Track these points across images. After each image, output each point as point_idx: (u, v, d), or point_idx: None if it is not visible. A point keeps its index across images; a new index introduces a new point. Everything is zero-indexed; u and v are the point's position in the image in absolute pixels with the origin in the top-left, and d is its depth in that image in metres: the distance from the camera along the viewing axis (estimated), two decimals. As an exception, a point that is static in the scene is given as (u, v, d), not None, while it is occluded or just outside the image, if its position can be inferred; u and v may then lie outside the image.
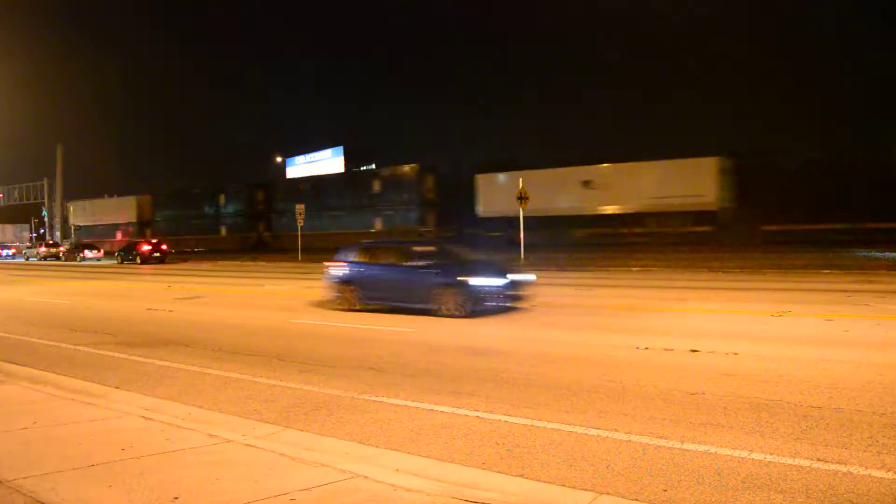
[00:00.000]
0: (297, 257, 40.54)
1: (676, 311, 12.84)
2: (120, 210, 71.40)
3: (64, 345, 10.65)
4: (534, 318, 12.28)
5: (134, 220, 69.07)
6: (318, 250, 47.39)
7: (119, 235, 70.64)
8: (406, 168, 50.26)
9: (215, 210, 63.31)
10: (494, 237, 42.31)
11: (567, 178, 41.62)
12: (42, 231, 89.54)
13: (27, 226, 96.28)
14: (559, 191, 40.95)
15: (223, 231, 61.91)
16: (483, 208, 44.53)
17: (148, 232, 68.25)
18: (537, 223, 39.03)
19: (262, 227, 59.66)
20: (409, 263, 13.54)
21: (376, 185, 51.01)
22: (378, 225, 50.29)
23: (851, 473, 4.37)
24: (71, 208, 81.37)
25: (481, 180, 45.06)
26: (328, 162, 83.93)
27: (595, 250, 34.74)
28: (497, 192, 42.92)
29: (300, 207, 42.99)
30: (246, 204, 61.29)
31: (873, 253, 27.63)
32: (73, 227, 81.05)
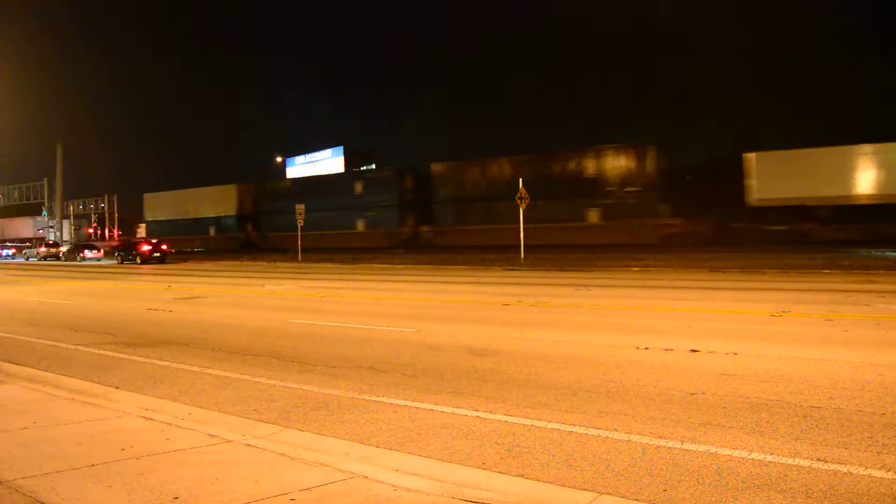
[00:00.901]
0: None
1: (676, 310, 12.84)
2: (214, 202, 60.99)
3: (64, 345, 10.65)
4: None
5: (233, 212, 59.10)
6: (492, 248, 38.75)
7: (212, 232, 60.77)
8: (624, 146, 40.70)
9: (349, 201, 52.52)
10: (776, 231, 34.21)
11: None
12: (99, 229, 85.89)
13: (85, 221, 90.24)
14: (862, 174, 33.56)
15: (360, 225, 51.92)
16: (759, 195, 35.47)
17: (249, 227, 59.32)
18: (825, 214, 32.63)
19: (412, 220, 50.02)
20: None
21: (589, 167, 41.20)
22: (593, 217, 40.65)
23: (851, 473, 4.37)
24: (145, 201, 70.76)
25: (759, 160, 35.94)
26: (328, 162, 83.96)
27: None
28: (782, 175, 34.88)
29: (300, 207, 42.77)
30: (393, 193, 50.45)
31: (873, 252, 27.62)
32: (146, 223, 71.15)
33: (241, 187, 60.50)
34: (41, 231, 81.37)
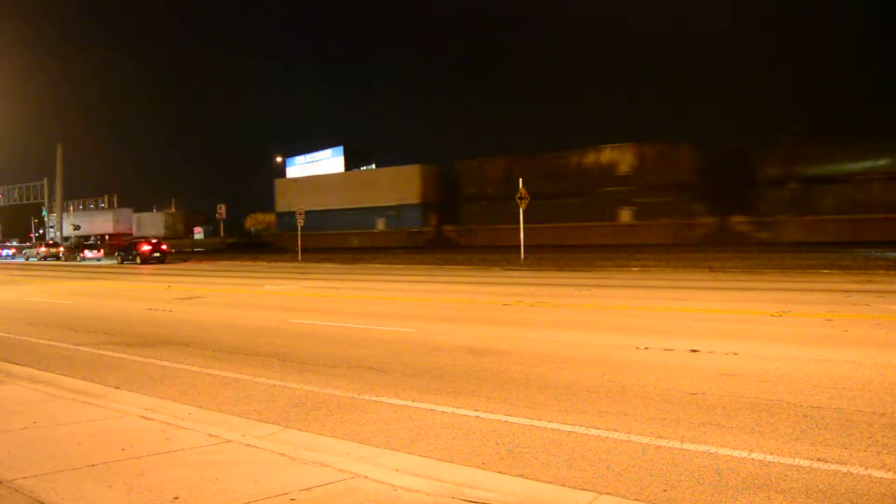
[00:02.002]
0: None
1: (676, 310, 12.84)
2: (385, 187, 48.19)
3: (64, 345, 10.65)
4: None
5: (415, 200, 46.52)
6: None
7: (381, 225, 48.38)
8: None
9: (605, 182, 39.75)
10: None
11: None
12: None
13: (169, 212, 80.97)
14: None
15: (625, 215, 39.29)
16: None
17: (433, 218, 46.78)
18: None
19: (703, 208, 37.97)
20: None
21: None
22: None
23: (851, 473, 4.37)
24: (277, 188, 57.76)
25: None
26: (328, 162, 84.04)
27: None
28: None
29: (300, 208, 42.46)
30: (683, 172, 38.33)
31: (873, 252, 27.61)
32: (276, 215, 58.08)
33: (425, 168, 47.62)
34: (41, 231, 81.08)
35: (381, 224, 48.70)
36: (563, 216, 41.21)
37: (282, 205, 57.05)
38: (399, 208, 46.49)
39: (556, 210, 40.54)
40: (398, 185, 47.20)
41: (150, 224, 79.72)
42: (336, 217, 50.57)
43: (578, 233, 40.40)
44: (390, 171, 49.64)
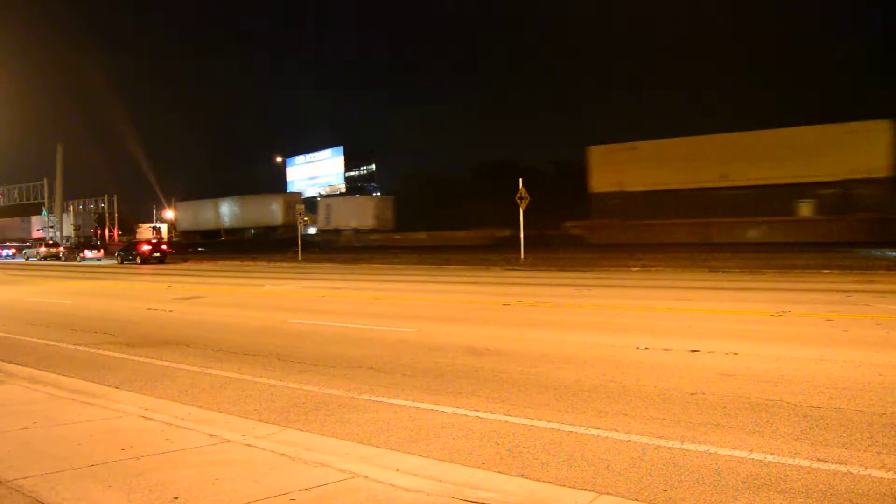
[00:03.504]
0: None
1: (676, 310, 12.84)
2: (817, 153, 32.66)
3: (64, 345, 10.65)
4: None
5: (882, 172, 31.29)
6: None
7: (805, 210, 34.60)
8: None
9: None
10: None
11: None
12: None
13: (378, 196, 59.16)
14: None
15: None
16: None
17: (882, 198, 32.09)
18: None
19: None
20: None
21: None
22: None
23: (851, 473, 4.37)
24: (594, 156, 40.18)
25: None
26: (328, 162, 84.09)
27: None
28: None
29: (300, 208, 42.24)
30: None
31: (873, 252, 27.61)
32: (592, 196, 39.97)
33: (871, 126, 31.94)
34: (41, 231, 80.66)
35: (805, 209, 34.11)
36: None
37: (602, 182, 39.37)
38: (845, 185, 31.67)
39: None
40: (840, 150, 31.75)
41: (348, 212, 58.09)
42: (709, 199, 34.93)
43: None
44: (820, 131, 33.26)
